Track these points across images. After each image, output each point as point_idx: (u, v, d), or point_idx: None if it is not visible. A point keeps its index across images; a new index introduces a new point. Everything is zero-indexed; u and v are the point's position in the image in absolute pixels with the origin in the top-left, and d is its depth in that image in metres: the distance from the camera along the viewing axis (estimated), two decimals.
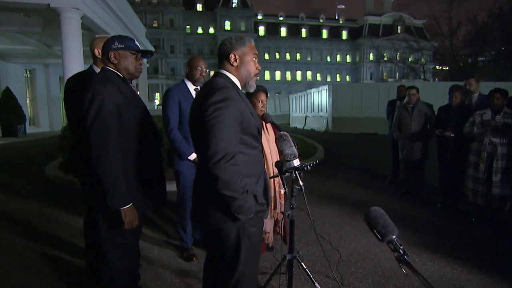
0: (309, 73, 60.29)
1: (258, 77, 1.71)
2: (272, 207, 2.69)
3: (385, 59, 46.39)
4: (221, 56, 1.64)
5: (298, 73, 59.89)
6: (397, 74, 51.64)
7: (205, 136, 1.42)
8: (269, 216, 2.65)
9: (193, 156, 2.76)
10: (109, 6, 10.44)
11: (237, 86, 1.62)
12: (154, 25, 51.33)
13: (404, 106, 4.94)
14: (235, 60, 1.61)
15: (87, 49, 9.17)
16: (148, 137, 1.90)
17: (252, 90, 1.71)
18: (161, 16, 51.96)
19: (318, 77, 60.29)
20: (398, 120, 5.02)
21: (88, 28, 9.98)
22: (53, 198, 5.00)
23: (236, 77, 1.63)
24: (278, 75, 58.20)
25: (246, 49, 1.62)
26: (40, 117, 18.94)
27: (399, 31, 53.47)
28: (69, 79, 2.39)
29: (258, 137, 1.64)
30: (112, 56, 1.85)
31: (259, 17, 58.15)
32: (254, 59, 1.65)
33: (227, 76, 1.61)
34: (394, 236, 1.18)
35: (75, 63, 8.20)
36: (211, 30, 55.78)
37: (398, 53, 42.14)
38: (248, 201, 1.49)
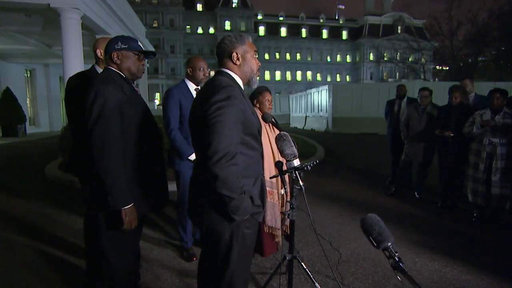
0: (309, 73, 60.27)
1: (259, 73, 1.72)
2: (280, 205, 2.70)
3: (385, 59, 46.37)
4: (222, 55, 1.64)
5: (298, 73, 59.89)
6: (397, 74, 51.64)
7: (207, 134, 1.41)
8: (279, 212, 2.66)
9: (193, 156, 2.75)
10: (109, 6, 10.43)
11: (239, 85, 1.62)
12: (154, 25, 51.33)
13: (415, 107, 4.91)
14: (238, 59, 1.61)
15: (87, 49, 9.18)
16: (149, 137, 1.91)
17: (255, 86, 1.72)
18: (161, 16, 51.98)
19: (318, 77, 60.27)
20: (407, 120, 4.99)
21: (88, 28, 9.97)
22: (53, 198, 5.00)
23: (239, 76, 1.63)
24: (278, 75, 58.22)
25: (247, 46, 1.63)
26: (40, 117, 18.89)
27: (399, 31, 53.46)
28: (70, 78, 2.38)
29: (258, 138, 1.64)
30: (115, 56, 1.85)
31: (259, 17, 58.15)
32: (254, 55, 1.66)
33: (230, 75, 1.61)
34: (389, 243, 1.18)
35: (75, 63, 8.20)
36: (211, 30, 55.78)
37: (398, 53, 42.04)
38: (245, 202, 1.48)
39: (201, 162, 1.53)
